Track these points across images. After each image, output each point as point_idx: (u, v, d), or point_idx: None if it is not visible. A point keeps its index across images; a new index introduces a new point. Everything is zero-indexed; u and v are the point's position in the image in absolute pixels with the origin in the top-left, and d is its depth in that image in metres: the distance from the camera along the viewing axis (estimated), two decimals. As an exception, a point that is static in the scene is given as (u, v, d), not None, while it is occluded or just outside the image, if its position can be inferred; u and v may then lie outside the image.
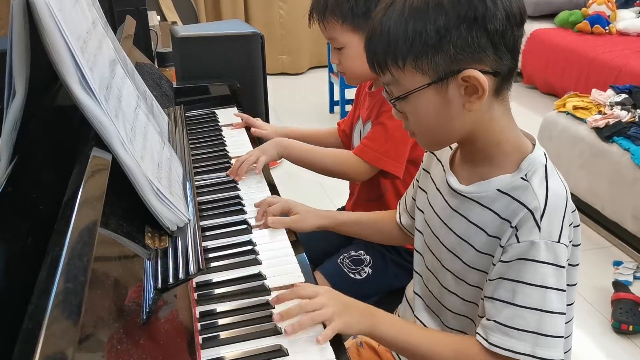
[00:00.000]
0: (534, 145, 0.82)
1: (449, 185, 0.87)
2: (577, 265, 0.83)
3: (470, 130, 0.80)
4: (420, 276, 0.99)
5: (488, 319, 0.78)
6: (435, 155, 0.95)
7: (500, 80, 0.76)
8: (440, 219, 0.90)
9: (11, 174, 0.71)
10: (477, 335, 0.79)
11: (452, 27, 0.72)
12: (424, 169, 0.99)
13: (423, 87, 0.76)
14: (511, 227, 0.77)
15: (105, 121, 0.79)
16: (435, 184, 0.93)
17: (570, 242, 0.79)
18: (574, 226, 0.80)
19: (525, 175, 0.78)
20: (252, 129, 1.54)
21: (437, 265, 0.92)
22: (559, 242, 0.75)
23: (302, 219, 1.10)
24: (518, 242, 0.76)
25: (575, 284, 0.85)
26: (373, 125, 1.29)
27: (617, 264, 2.20)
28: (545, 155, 0.81)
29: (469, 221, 0.83)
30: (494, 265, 0.79)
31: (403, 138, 1.24)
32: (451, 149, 0.91)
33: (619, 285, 2.03)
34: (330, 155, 1.35)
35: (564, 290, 0.76)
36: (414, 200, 1.02)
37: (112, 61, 0.97)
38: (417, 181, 1.02)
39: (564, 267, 0.75)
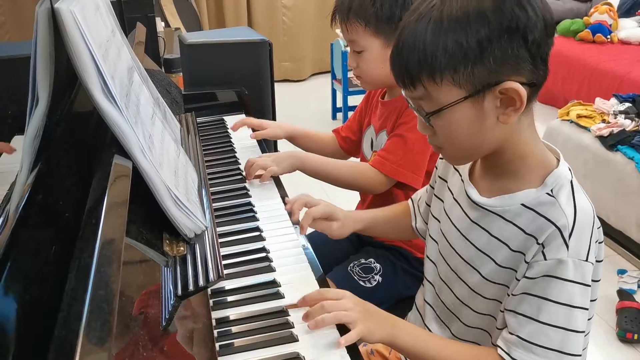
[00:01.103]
0: (558, 159, 0.81)
1: (468, 196, 0.86)
2: (598, 280, 0.83)
3: (499, 143, 0.78)
4: (432, 285, 0.98)
5: (511, 333, 0.78)
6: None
7: (533, 92, 0.75)
8: (458, 230, 0.89)
9: (35, 180, 0.71)
10: (498, 348, 0.79)
11: (494, 37, 0.69)
12: (440, 177, 0.98)
13: (459, 101, 0.73)
14: (538, 243, 0.76)
15: (126, 128, 0.80)
16: (452, 194, 0.92)
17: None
18: (598, 242, 0.80)
19: (551, 190, 0.77)
20: (254, 133, 1.50)
21: (452, 276, 0.91)
22: (586, 260, 0.74)
23: (342, 225, 1.06)
24: (545, 259, 0.75)
25: (595, 299, 0.85)
26: (390, 137, 1.29)
27: (622, 272, 2.20)
28: (570, 170, 0.80)
29: (491, 234, 0.83)
30: (518, 280, 0.79)
31: (422, 150, 1.24)
32: None
33: (623, 294, 2.03)
34: (346, 168, 1.34)
35: (588, 309, 0.76)
36: (429, 206, 1.02)
37: (130, 68, 0.98)
38: (432, 188, 1.02)
39: (589, 285, 0.75)
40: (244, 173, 1.35)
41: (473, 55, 0.70)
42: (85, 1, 0.81)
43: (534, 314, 0.76)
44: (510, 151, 0.80)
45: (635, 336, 1.89)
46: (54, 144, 0.80)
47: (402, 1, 1.19)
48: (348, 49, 1.43)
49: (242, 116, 1.77)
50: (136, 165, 0.82)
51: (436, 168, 1.02)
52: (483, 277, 0.84)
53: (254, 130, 1.52)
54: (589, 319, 0.84)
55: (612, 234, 2.37)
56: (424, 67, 0.73)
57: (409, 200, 1.13)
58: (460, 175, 0.91)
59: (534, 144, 0.80)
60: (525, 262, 0.78)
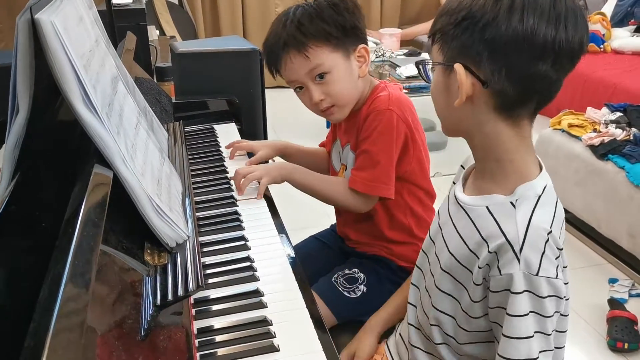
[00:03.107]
0: (541, 172, 0.82)
1: (454, 193, 0.90)
2: (567, 299, 0.84)
3: (467, 131, 0.82)
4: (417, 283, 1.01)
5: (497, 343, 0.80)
6: (463, 168, 0.96)
7: (503, 101, 0.76)
8: (439, 225, 0.92)
9: (13, 190, 0.72)
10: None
11: (456, 24, 0.74)
12: (453, 182, 0.99)
13: (435, 63, 0.80)
14: (489, 252, 0.78)
15: (107, 138, 0.80)
16: (449, 194, 0.95)
17: (561, 272, 0.79)
18: (563, 267, 0.80)
19: (516, 201, 0.79)
20: (249, 162, 1.45)
21: (426, 267, 0.95)
22: (537, 275, 0.75)
23: (367, 343, 1.14)
24: (500, 274, 0.77)
25: (567, 315, 0.86)
26: (357, 155, 1.28)
27: (613, 281, 2.21)
28: (545, 187, 0.80)
29: (456, 230, 0.85)
30: (476, 284, 0.81)
31: (388, 160, 1.23)
32: None
33: (614, 303, 2.03)
34: (327, 184, 1.32)
35: (545, 317, 0.76)
36: None
37: (114, 78, 0.98)
38: None
39: (542, 297, 0.76)
40: (231, 182, 1.35)
41: (448, 28, 0.76)
42: (67, 12, 0.82)
43: (502, 323, 0.78)
44: (483, 150, 0.82)
45: (626, 345, 1.88)
46: (35, 153, 0.81)
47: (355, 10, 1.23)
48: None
49: (233, 125, 1.77)
50: (117, 175, 0.82)
51: None
52: (442, 269, 0.87)
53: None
54: (563, 332, 0.86)
55: (603, 243, 2.38)
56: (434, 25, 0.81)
57: None
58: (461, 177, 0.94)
59: (516, 154, 0.81)
60: (479, 267, 0.79)
